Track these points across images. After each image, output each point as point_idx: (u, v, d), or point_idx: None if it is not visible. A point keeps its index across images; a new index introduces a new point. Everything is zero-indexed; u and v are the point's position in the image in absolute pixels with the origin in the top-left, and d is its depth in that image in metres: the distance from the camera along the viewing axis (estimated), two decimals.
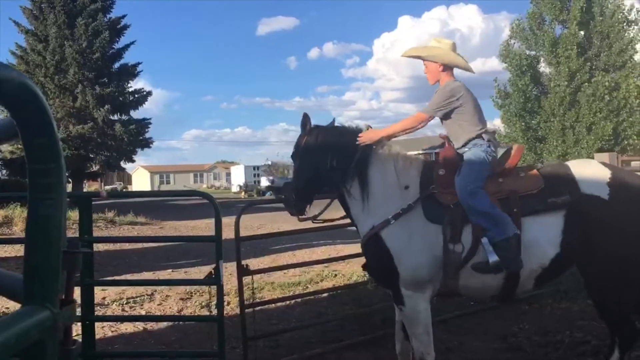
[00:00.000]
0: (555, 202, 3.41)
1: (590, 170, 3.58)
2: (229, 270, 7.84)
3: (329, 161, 3.76)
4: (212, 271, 4.03)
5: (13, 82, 0.82)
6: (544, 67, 30.89)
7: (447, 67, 3.82)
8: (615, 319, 3.61)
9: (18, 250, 11.02)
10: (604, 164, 3.73)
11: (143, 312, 6.51)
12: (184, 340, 5.33)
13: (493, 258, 3.33)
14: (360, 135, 3.78)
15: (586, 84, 27.86)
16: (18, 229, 14.97)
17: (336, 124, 4.10)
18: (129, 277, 8.80)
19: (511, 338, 4.97)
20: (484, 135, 3.68)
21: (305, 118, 3.96)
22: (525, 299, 6.16)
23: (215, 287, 4.11)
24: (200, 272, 8.65)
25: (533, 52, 30.68)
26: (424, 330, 3.58)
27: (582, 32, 28.60)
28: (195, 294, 7.14)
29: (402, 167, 3.71)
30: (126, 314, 6.48)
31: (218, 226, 4.10)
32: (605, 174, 3.50)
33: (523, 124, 29.88)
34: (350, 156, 3.74)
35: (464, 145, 3.71)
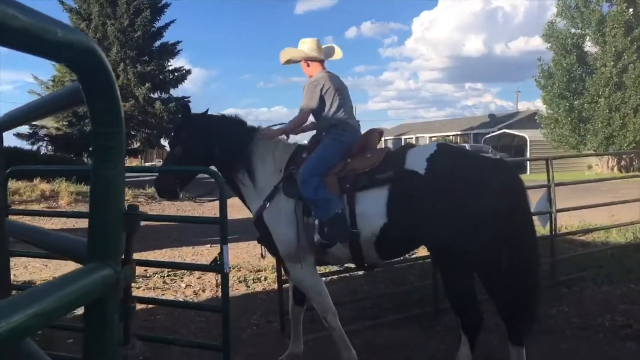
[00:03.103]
0: (381, 178, 3.65)
1: (422, 149, 3.79)
2: None
3: (219, 149, 4.05)
4: (218, 256, 3.65)
5: (81, 46, 0.85)
6: (589, 47, 29.87)
7: (316, 61, 4.20)
8: (454, 295, 3.59)
9: (64, 222, 11.43)
10: (443, 144, 3.89)
11: (183, 285, 6.73)
12: None
13: (316, 237, 3.71)
14: (261, 132, 4.12)
15: (632, 64, 26.84)
16: (64, 203, 15.47)
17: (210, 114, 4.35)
18: (169, 251, 9.08)
19: (550, 320, 4.90)
20: (339, 124, 4.00)
21: (186, 107, 4.29)
22: (565, 282, 6.07)
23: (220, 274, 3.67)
24: (237, 247, 8.82)
25: (579, 31, 29.69)
26: (316, 293, 3.92)
27: (630, 10, 27.47)
28: (234, 268, 7.29)
29: (280, 153, 4.06)
30: (167, 285, 6.71)
31: (223, 207, 3.90)
32: (429, 151, 3.66)
33: (567, 104, 29.05)
34: (239, 145, 4.02)
35: (324, 133, 4.05)
